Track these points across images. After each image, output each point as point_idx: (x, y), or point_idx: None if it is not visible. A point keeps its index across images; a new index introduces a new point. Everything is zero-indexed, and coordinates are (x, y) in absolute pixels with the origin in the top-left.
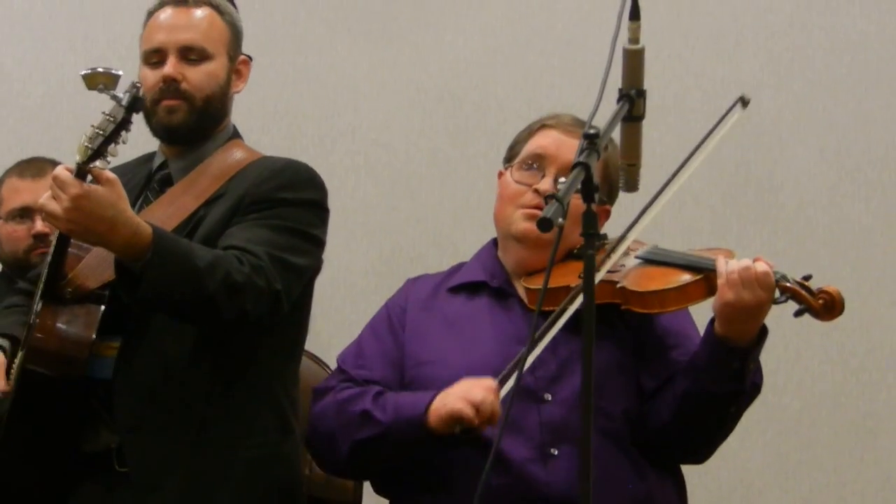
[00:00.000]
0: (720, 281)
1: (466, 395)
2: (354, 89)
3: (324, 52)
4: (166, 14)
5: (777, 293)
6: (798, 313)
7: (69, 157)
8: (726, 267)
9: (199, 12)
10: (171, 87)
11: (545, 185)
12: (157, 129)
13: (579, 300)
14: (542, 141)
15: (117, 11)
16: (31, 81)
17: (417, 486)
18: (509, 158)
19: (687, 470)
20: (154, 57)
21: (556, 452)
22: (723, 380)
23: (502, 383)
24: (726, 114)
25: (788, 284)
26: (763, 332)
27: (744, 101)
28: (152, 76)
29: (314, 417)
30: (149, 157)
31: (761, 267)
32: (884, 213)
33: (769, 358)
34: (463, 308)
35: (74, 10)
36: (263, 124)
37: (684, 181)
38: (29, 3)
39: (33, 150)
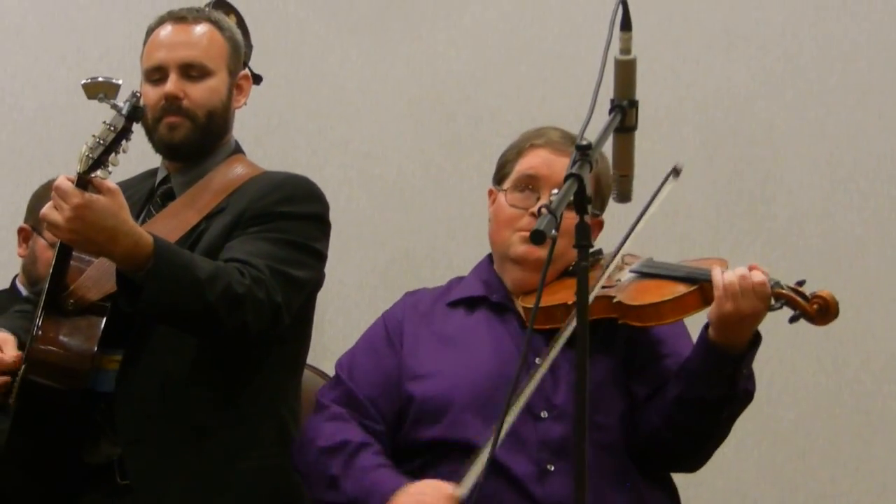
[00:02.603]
0: (717, 293)
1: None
2: (347, 102)
3: (316, 64)
4: (166, 31)
5: (772, 300)
6: (793, 319)
7: (61, 171)
8: (723, 278)
9: (199, 28)
10: (173, 104)
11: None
12: (160, 146)
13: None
14: (533, 161)
15: (109, 25)
16: (24, 95)
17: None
18: (499, 180)
19: (682, 481)
20: (155, 74)
21: (552, 469)
22: (715, 385)
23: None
24: (661, 185)
25: (783, 291)
26: (756, 338)
27: (676, 172)
28: (154, 93)
29: (301, 442)
30: (152, 173)
31: (758, 277)
32: (876, 223)
33: (764, 369)
34: (461, 322)
35: (66, 24)
36: (256, 136)
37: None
38: (21, 17)
39: (26, 165)
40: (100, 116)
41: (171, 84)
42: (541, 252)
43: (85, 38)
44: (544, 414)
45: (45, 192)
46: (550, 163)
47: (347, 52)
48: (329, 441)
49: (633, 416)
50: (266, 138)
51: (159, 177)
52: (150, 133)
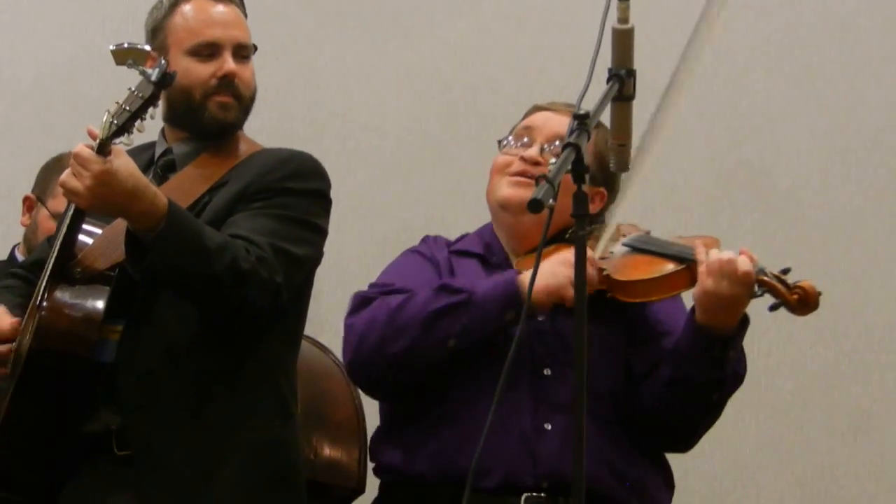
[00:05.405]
0: (700, 269)
1: (568, 275)
2: (345, 73)
3: (314, 35)
4: (217, 9)
5: (755, 287)
6: (773, 307)
7: (61, 142)
8: (707, 255)
9: (237, 10)
10: (229, 83)
11: (531, 152)
12: (209, 124)
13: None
14: (532, 118)
15: None
16: (21, 66)
17: (422, 433)
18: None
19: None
20: (206, 50)
21: (549, 427)
22: (703, 367)
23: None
24: None
25: (766, 278)
26: (744, 322)
27: None
28: (204, 70)
29: (366, 321)
30: (148, 146)
31: (743, 265)
32: (875, 195)
33: (762, 340)
34: (467, 271)
35: None
36: (254, 108)
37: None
38: None
39: (24, 136)
40: (98, 88)
41: (231, 63)
42: (525, 194)
43: (83, 8)
44: (547, 372)
45: (55, 165)
46: (547, 118)
47: (346, 23)
48: (406, 294)
49: (629, 393)
50: (263, 109)
51: (159, 149)
52: (196, 109)
